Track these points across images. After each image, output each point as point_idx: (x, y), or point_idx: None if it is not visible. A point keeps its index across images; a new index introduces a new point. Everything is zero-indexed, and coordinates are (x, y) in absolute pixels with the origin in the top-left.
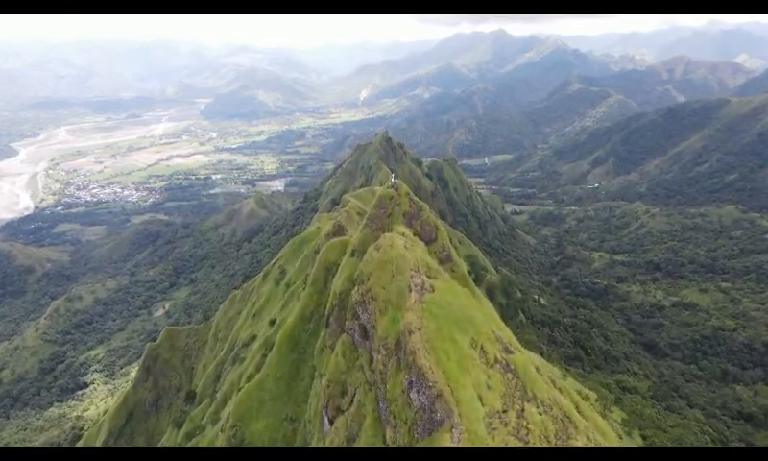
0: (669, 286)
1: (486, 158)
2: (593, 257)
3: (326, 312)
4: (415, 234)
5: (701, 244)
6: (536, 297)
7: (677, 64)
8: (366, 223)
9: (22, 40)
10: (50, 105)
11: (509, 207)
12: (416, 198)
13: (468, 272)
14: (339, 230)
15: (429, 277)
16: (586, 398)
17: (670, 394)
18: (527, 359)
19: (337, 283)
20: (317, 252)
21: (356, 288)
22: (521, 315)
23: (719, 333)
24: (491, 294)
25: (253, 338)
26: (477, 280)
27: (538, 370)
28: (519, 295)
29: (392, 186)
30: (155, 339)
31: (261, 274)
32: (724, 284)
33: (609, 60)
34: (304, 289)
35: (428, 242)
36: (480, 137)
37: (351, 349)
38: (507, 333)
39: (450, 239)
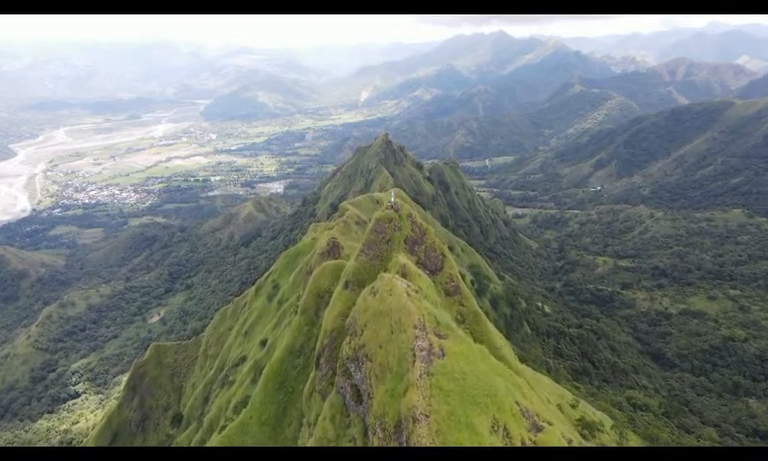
0: (676, 293)
1: (487, 161)
2: (597, 262)
3: (316, 351)
4: (418, 263)
5: (707, 249)
6: (539, 304)
7: (678, 66)
8: (362, 249)
9: (21, 41)
10: (49, 106)
11: (510, 211)
12: (419, 220)
13: (472, 282)
14: (333, 249)
15: (438, 335)
16: (601, 425)
17: (682, 409)
18: (559, 436)
19: (328, 319)
20: (309, 272)
21: (348, 340)
22: (526, 326)
23: (729, 344)
24: (495, 304)
25: (243, 359)
26: (481, 291)
27: (570, 443)
28: (524, 305)
29: (392, 207)
30: (148, 346)
31: (253, 287)
32: (732, 292)
33: (609, 61)
34: (295, 313)
35: (433, 271)
36: (481, 139)
37: (342, 412)
38: (533, 400)
39: (452, 247)
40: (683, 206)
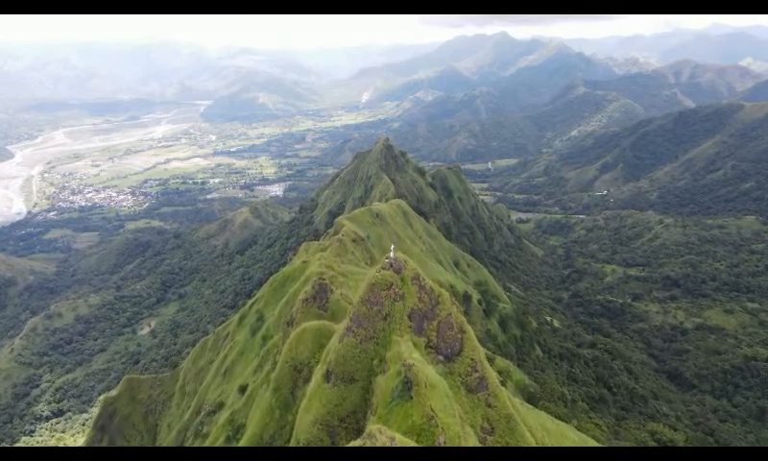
0: (690, 306)
1: (489, 164)
2: (605, 271)
3: None
4: (428, 346)
5: (721, 258)
6: (548, 319)
7: (683, 68)
8: (349, 326)
9: (21, 42)
10: (48, 107)
11: (514, 215)
12: (429, 283)
13: (479, 301)
14: (320, 293)
15: None
16: None
17: (707, 441)
18: None
19: (301, 425)
20: (289, 323)
21: None
22: (538, 349)
23: (752, 364)
24: (504, 326)
25: (221, 406)
26: (489, 311)
27: None
28: (534, 325)
29: (391, 266)
30: (137, 362)
31: (237, 316)
32: (750, 305)
33: (612, 63)
34: (274, 365)
35: (449, 357)
36: (483, 141)
37: None
38: None
39: (458, 262)
40: (692, 211)
